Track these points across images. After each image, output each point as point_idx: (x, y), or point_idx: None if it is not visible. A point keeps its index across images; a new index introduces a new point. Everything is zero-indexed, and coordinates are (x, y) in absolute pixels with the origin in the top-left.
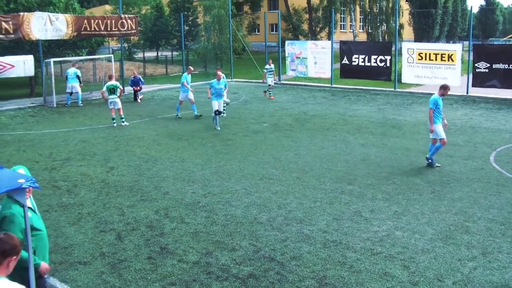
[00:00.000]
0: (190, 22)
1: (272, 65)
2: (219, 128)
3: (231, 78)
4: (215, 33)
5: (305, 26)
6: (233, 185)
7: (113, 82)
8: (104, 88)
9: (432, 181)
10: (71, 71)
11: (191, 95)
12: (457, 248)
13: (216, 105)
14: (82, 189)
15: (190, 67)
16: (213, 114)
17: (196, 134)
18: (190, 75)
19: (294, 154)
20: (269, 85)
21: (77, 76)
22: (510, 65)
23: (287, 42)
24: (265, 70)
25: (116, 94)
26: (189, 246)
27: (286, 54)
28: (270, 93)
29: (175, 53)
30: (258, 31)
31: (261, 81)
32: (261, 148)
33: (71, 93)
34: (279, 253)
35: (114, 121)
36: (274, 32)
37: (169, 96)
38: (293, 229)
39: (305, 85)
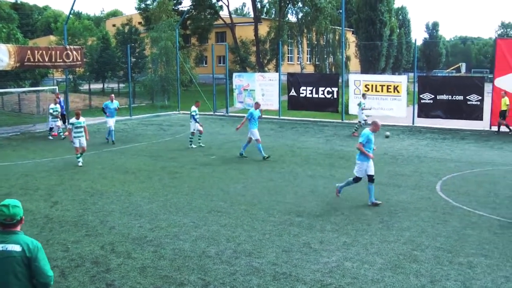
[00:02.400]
0: (137, 54)
1: (364, 100)
2: (266, 155)
3: (178, 110)
4: (162, 65)
5: (252, 58)
6: (181, 218)
7: (81, 119)
8: (71, 127)
9: (380, 211)
10: None
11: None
12: (406, 277)
13: (256, 133)
14: (23, 226)
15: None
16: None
17: (143, 167)
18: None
19: (243, 187)
20: (359, 121)
21: None
22: (454, 96)
23: (234, 74)
24: (359, 106)
25: (82, 133)
26: (136, 281)
27: (234, 86)
28: (356, 129)
29: (121, 85)
30: (206, 63)
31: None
32: (209, 181)
33: None
34: (229, 286)
35: (80, 159)
36: (221, 64)
37: (116, 129)
38: (242, 262)
39: None
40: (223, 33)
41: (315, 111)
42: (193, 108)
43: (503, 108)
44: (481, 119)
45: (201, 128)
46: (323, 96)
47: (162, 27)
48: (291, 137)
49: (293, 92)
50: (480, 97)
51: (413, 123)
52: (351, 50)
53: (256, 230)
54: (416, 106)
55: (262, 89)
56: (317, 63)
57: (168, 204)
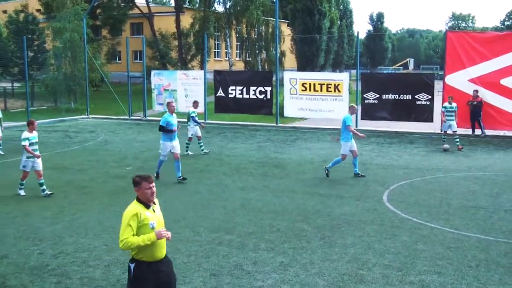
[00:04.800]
0: (35, 48)
1: (454, 104)
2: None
3: (87, 114)
4: (67, 61)
5: (174, 54)
6: (91, 241)
7: (35, 133)
8: (26, 142)
9: (321, 226)
10: None
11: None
12: None
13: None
14: None
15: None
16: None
17: (45, 182)
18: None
19: (163, 201)
20: (443, 131)
21: None
22: (401, 96)
23: (153, 72)
24: (443, 109)
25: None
26: None
27: (152, 86)
28: (458, 142)
29: (16, 84)
30: (120, 59)
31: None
32: (124, 196)
33: None
34: None
35: (23, 186)
36: (138, 61)
37: (10, 136)
38: None
39: None
40: (139, 24)
41: (246, 114)
42: (192, 109)
43: None
44: (431, 120)
45: (200, 134)
46: (254, 96)
47: (66, 16)
48: (218, 143)
49: (220, 93)
50: (430, 97)
51: (356, 126)
52: (286, 44)
53: (180, 251)
54: (359, 107)
55: (185, 89)
56: (248, 59)
57: (75, 224)
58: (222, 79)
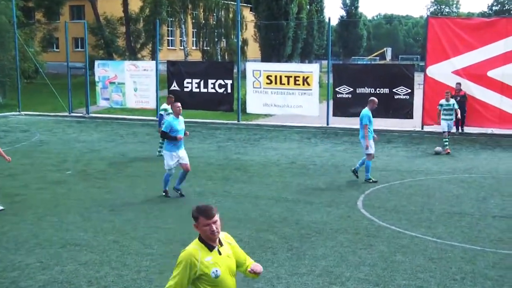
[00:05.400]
0: None
1: (452, 100)
2: None
3: (19, 111)
4: None
5: (121, 42)
6: (23, 257)
7: None
8: None
9: (288, 235)
10: None
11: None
12: None
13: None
14: None
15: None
16: None
17: None
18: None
19: (110, 211)
20: (444, 132)
21: None
22: (377, 89)
23: (97, 63)
24: (439, 107)
25: None
26: None
27: (96, 79)
28: (446, 144)
29: None
30: (57, 48)
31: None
32: (64, 204)
33: None
34: None
35: None
36: (79, 49)
37: None
38: None
39: (122, 118)
40: (80, 7)
41: (204, 110)
42: (164, 105)
43: None
44: (411, 117)
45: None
46: (213, 90)
47: None
48: None
49: (175, 86)
50: (409, 90)
51: (327, 124)
52: (249, 31)
53: (129, 267)
54: (331, 102)
55: (134, 81)
56: (205, 48)
57: (4, 239)
58: (176, 71)
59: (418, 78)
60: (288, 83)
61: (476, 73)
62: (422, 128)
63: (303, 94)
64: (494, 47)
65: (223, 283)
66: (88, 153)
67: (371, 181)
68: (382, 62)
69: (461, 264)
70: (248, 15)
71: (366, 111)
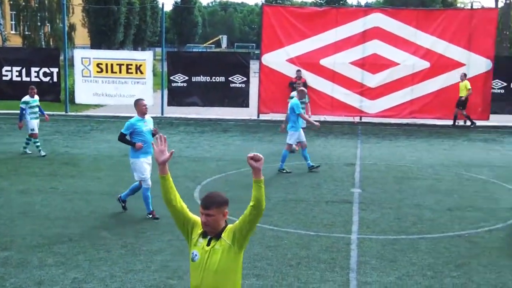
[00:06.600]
0: None
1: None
2: None
3: None
4: None
5: None
6: None
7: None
8: None
9: (122, 232)
10: None
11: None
12: None
13: None
14: None
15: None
16: None
17: None
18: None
19: None
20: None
21: None
22: (213, 78)
23: None
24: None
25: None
26: None
27: None
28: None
29: None
30: None
31: None
32: None
33: None
34: None
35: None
36: None
37: None
38: None
39: None
40: None
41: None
42: (26, 98)
43: (462, 94)
44: (247, 106)
45: (36, 130)
46: (37, 79)
47: None
48: None
49: None
50: (245, 79)
51: (162, 113)
52: (77, 16)
53: None
54: (165, 91)
55: None
56: (27, 33)
57: None
58: None
59: (254, 66)
60: (120, 72)
61: (309, 62)
62: (258, 117)
63: (136, 83)
64: (326, 36)
65: (196, 271)
66: None
67: (284, 171)
68: (218, 50)
69: (297, 250)
70: None
71: (296, 100)
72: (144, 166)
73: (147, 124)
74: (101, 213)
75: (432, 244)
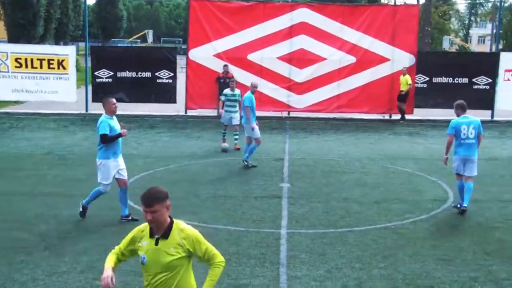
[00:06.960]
0: None
1: (238, 90)
2: None
3: None
4: None
5: None
6: None
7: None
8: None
9: (45, 233)
10: None
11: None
12: None
13: None
14: None
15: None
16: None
17: None
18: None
19: None
20: (225, 125)
21: None
22: (140, 73)
23: None
24: (222, 97)
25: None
26: None
27: None
28: (236, 141)
29: None
30: None
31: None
32: None
33: None
34: None
35: None
36: None
37: None
38: None
39: None
40: None
41: None
42: None
43: (403, 88)
44: (175, 101)
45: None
46: None
47: None
48: None
49: None
50: (172, 74)
51: (86, 110)
52: None
53: None
54: (90, 88)
55: None
56: None
57: None
58: None
59: (181, 61)
60: (41, 67)
61: (237, 57)
62: (186, 113)
63: (58, 78)
64: (253, 31)
65: (149, 273)
66: None
67: (250, 165)
68: (144, 44)
69: (226, 246)
70: None
71: (249, 94)
72: (111, 171)
73: (116, 124)
74: (22, 213)
75: (360, 236)
